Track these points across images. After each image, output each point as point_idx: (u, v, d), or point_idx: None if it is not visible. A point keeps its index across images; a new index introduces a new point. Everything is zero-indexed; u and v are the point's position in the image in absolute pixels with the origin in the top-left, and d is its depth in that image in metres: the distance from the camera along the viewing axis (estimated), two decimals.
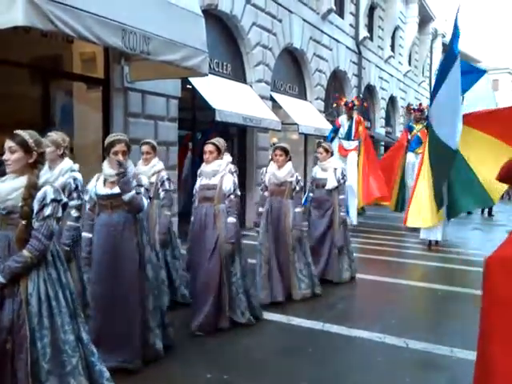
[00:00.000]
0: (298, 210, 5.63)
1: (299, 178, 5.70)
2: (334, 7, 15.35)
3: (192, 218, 4.88)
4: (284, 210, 5.63)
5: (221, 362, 4.03)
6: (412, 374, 4.01)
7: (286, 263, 5.63)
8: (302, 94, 14.57)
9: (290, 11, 12.82)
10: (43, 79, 6.47)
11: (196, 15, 6.25)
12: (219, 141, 4.81)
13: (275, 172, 5.66)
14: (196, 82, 8.59)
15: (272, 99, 12.12)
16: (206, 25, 6.42)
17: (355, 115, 11.56)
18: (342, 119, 11.61)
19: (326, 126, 13.50)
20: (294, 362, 4.09)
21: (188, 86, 8.91)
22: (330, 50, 15.74)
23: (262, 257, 5.63)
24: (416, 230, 10.10)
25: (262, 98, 11.40)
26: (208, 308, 4.53)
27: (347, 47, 17.17)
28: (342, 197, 6.55)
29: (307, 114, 13.61)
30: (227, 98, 9.64)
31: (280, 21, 12.33)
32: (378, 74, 20.75)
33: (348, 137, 11.31)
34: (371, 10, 19.66)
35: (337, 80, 17.03)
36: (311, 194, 6.75)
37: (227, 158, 5.15)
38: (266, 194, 5.78)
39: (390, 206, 12.31)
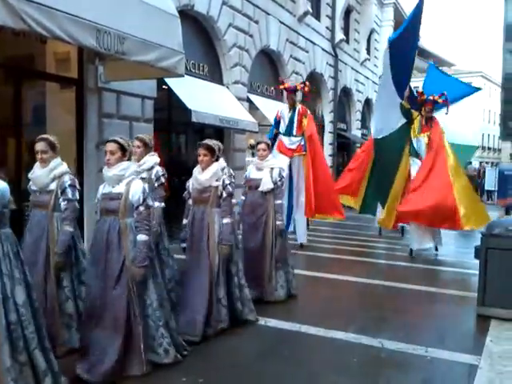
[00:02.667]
0: (225, 220, 4.61)
1: (228, 181, 4.66)
2: (311, 10, 15.47)
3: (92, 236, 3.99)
4: (208, 222, 4.62)
5: (196, 365, 4.00)
6: (387, 374, 4.04)
7: (207, 290, 4.54)
8: (280, 96, 14.61)
9: (266, 13, 12.85)
10: (15, 79, 6.35)
11: (172, 15, 6.21)
12: (123, 138, 3.97)
13: (197, 176, 4.69)
14: (172, 82, 8.54)
15: (249, 101, 12.12)
16: (182, 25, 6.39)
17: (298, 105, 9.37)
18: (283, 110, 9.39)
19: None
20: (271, 365, 4.08)
21: (164, 87, 8.84)
22: (307, 52, 15.82)
23: (185, 280, 4.76)
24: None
25: (239, 99, 11.39)
26: (114, 353, 3.63)
27: (323, 49, 17.28)
28: (278, 202, 5.68)
29: None
30: (203, 99, 9.60)
31: (257, 22, 12.34)
32: (354, 77, 20.93)
33: (289, 132, 9.15)
34: (347, 13, 19.83)
35: (313, 82, 17.06)
36: (243, 198, 5.89)
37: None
38: (190, 202, 4.86)
39: (355, 207, 10.89)
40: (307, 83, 9.71)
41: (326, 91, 18.02)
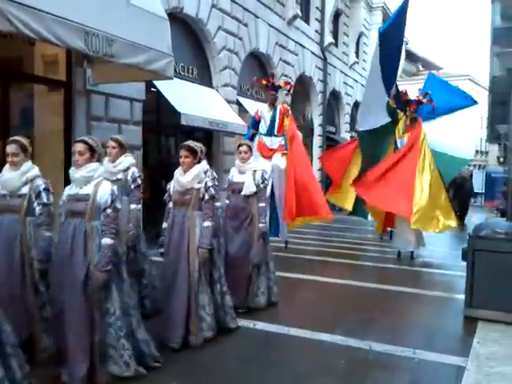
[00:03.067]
0: (206, 224, 4.44)
1: (210, 183, 4.51)
2: (300, 13, 15.53)
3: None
4: (188, 225, 4.46)
5: (184, 370, 3.99)
6: (375, 376, 4.06)
7: (185, 296, 4.39)
8: None
9: (255, 16, 12.87)
10: (3, 81, 6.31)
11: (161, 18, 6.21)
12: (93, 138, 3.83)
13: (179, 178, 4.57)
14: (161, 85, 8.52)
15: (238, 103, 12.13)
16: (171, 28, 6.39)
17: (279, 104, 8.98)
18: (263, 110, 8.99)
19: None
20: (258, 368, 4.08)
21: (153, 89, 8.82)
22: (296, 55, 15.87)
23: (163, 286, 4.61)
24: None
25: (228, 102, 11.40)
26: (83, 359, 3.50)
27: (313, 53, 17.34)
28: (261, 205, 5.56)
29: None
30: (193, 101, 9.59)
31: (246, 25, 12.36)
32: (342, 80, 21.03)
33: (270, 132, 8.73)
34: (336, 16, 19.91)
35: (302, 85, 17.16)
36: (227, 201, 5.74)
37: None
38: (170, 205, 4.70)
39: (343, 205, 10.78)
40: (291, 83, 9.60)
41: (315, 94, 18.09)
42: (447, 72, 46.15)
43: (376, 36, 8.67)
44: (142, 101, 8.38)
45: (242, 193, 5.51)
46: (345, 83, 21.37)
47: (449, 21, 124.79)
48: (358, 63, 22.69)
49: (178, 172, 4.62)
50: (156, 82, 8.32)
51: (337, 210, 13.32)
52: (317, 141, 18.49)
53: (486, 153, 49.29)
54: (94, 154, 3.70)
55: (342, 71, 20.75)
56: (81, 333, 3.52)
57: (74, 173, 3.68)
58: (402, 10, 8.47)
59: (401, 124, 9.10)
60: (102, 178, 3.69)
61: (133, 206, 4.94)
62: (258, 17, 12.99)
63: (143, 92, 8.35)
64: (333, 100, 20.46)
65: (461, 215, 14.18)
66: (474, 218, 16.13)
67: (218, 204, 4.86)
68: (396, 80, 9.10)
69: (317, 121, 18.43)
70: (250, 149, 5.71)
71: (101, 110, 7.50)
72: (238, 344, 4.58)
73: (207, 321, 4.46)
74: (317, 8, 17.65)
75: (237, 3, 11.82)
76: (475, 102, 9.91)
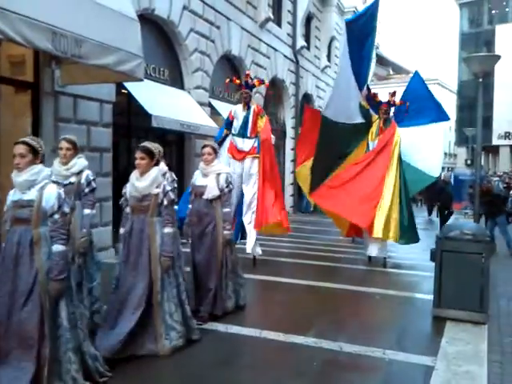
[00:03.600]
0: (167, 230, 4.25)
1: (169, 188, 4.32)
2: (272, 16, 15.59)
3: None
4: (148, 233, 4.24)
5: (156, 376, 3.94)
6: (347, 377, 4.09)
7: (143, 305, 4.18)
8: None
9: (228, 18, 12.86)
10: None
11: (131, 19, 6.14)
12: (34, 138, 3.59)
13: (135, 182, 4.32)
14: (131, 86, 8.44)
15: (210, 106, 12.09)
16: (142, 29, 6.33)
17: (254, 104, 8.44)
18: (237, 109, 8.39)
19: None
20: (231, 372, 4.06)
21: (123, 91, 8.73)
22: (268, 58, 15.93)
23: (118, 296, 4.30)
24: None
25: (201, 104, 11.35)
26: (26, 376, 3.21)
27: (285, 56, 17.43)
28: (226, 210, 5.31)
29: None
30: (164, 103, 9.52)
31: (218, 28, 12.34)
32: (315, 83, 21.19)
33: (243, 133, 8.21)
34: (308, 20, 20.07)
35: (275, 88, 17.23)
36: (190, 206, 5.51)
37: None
38: (128, 210, 4.45)
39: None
40: (266, 83, 9.35)
41: (288, 97, 18.18)
42: None
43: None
44: (112, 102, 8.28)
45: (204, 196, 5.28)
46: (317, 86, 21.54)
47: (418, 26, 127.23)
48: (329, 67, 22.90)
49: (133, 175, 4.37)
50: (127, 84, 8.23)
51: (310, 211, 13.42)
52: (289, 143, 18.59)
53: (455, 155, 50.36)
54: (38, 156, 3.46)
55: (314, 74, 20.92)
56: (27, 349, 3.27)
57: (17, 177, 3.42)
58: (373, 10, 8.54)
59: (374, 126, 9.05)
60: (47, 181, 3.44)
61: (86, 211, 4.64)
62: (230, 19, 12.99)
63: (113, 94, 8.24)
64: (305, 103, 20.58)
65: (445, 219, 14.26)
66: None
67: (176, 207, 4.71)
68: (367, 81, 9.17)
69: (289, 123, 18.53)
70: (215, 151, 5.48)
71: (69, 112, 7.37)
72: (211, 348, 4.55)
73: (176, 328, 4.32)
74: (289, 11, 17.75)
75: (209, 6, 11.79)
76: (448, 119, 9.94)
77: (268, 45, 15.82)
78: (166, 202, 4.27)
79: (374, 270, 8.39)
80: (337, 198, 8.54)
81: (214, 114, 12.05)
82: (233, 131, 8.28)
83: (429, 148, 9.51)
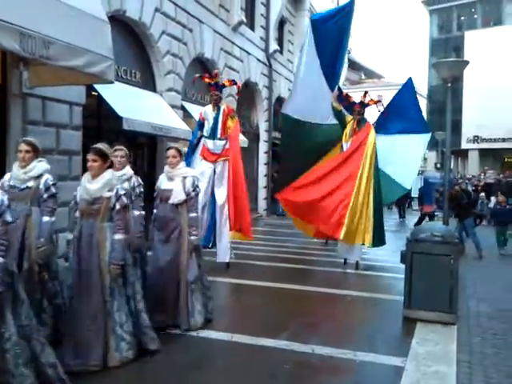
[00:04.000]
0: (117, 237, 4.06)
1: (122, 192, 4.15)
2: (245, 19, 15.61)
3: None
4: (98, 239, 4.06)
5: (125, 380, 3.89)
6: (319, 379, 4.11)
7: (98, 315, 4.02)
8: None
9: (200, 21, 12.83)
10: None
11: (101, 20, 6.05)
12: None
13: (86, 185, 4.14)
14: (102, 89, 8.31)
15: (183, 108, 12.02)
16: (113, 31, 6.23)
17: (223, 104, 8.46)
18: (206, 110, 8.38)
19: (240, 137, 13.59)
20: (202, 376, 4.02)
21: (94, 93, 8.60)
22: (241, 61, 15.94)
23: (73, 308, 4.14)
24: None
25: (173, 107, 11.28)
26: None
27: (258, 59, 17.47)
28: (192, 215, 5.08)
29: None
30: (136, 106, 9.42)
31: (190, 30, 12.30)
32: (287, 87, 21.23)
33: (213, 134, 8.14)
34: (281, 24, 20.17)
35: (248, 91, 17.25)
36: (155, 211, 5.27)
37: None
38: (77, 214, 4.26)
39: None
40: (238, 84, 9.37)
41: (261, 100, 18.23)
42: (389, 81, 47.53)
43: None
44: (81, 105, 8.14)
45: (170, 201, 5.05)
46: (290, 90, 21.58)
47: (390, 31, 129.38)
48: None
49: (85, 178, 4.20)
50: (97, 86, 8.10)
51: (285, 214, 13.34)
52: (263, 147, 18.62)
53: (425, 159, 51.19)
54: None
55: (286, 78, 21.01)
56: None
57: None
58: (344, 12, 8.59)
59: (348, 128, 9.05)
60: None
61: (45, 219, 4.36)
62: (202, 22, 12.96)
63: (83, 96, 8.11)
64: (278, 106, 20.63)
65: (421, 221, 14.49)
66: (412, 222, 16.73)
67: (136, 213, 4.66)
68: (338, 82, 9.20)
69: (263, 127, 18.57)
70: (180, 153, 5.25)
71: (38, 114, 7.22)
72: (183, 353, 4.50)
73: (126, 339, 4.10)
74: (262, 15, 17.82)
75: (181, 8, 11.74)
76: (429, 132, 9.98)
77: (241, 48, 15.83)
78: (118, 207, 4.08)
79: (347, 272, 8.46)
80: (303, 198, 8.55)
81: (187, 116, 11.99)
82: (204, 133, 8.23)
83: (407, 160, 9.58)
